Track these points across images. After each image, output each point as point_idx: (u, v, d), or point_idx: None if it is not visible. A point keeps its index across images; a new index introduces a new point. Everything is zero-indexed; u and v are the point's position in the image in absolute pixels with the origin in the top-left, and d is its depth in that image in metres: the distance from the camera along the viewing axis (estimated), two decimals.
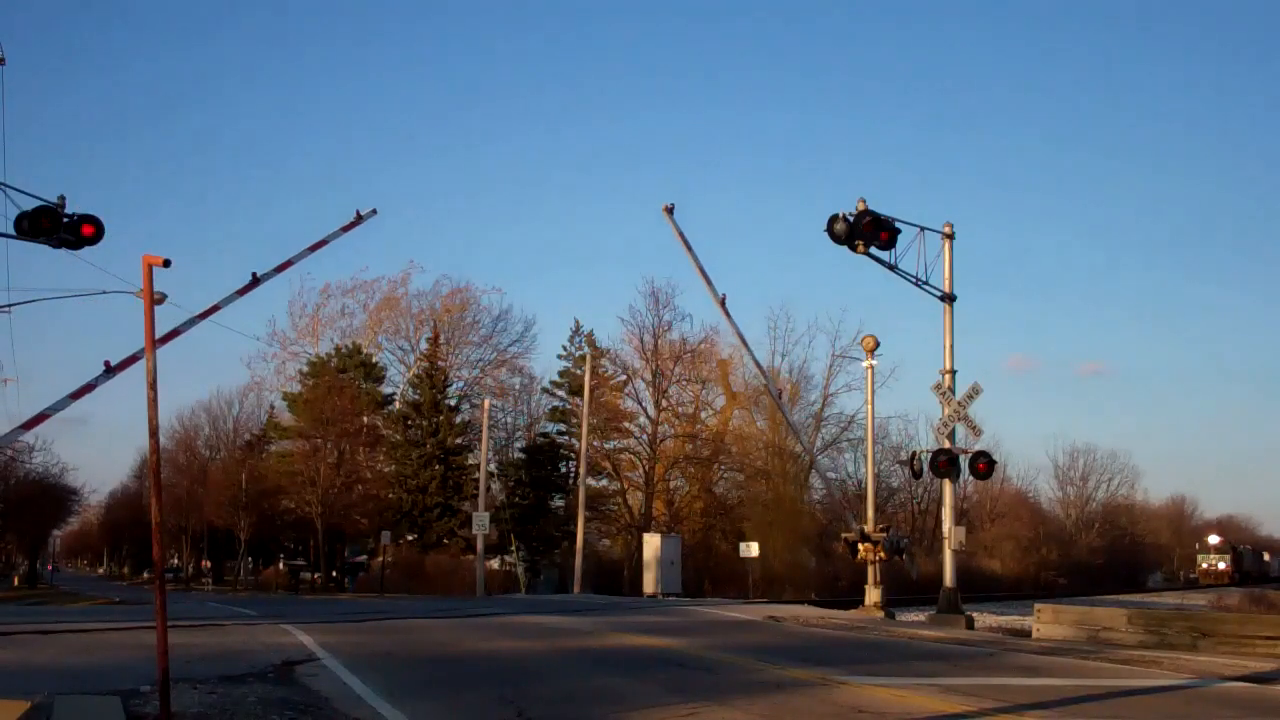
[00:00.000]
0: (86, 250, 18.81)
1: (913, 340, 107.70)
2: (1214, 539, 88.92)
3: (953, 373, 23.75)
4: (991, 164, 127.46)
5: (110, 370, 25.08)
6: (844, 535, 29.59)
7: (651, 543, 40.36)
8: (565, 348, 60.10)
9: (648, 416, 59.15)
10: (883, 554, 27.53)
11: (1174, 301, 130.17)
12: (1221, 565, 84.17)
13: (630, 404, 59.95)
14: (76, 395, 26.38)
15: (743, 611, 26.31)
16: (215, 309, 29.56)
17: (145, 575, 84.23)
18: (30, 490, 62.74)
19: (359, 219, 39.28)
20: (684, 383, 60.52)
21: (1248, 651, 16.29)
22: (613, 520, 59.77)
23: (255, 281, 31.89)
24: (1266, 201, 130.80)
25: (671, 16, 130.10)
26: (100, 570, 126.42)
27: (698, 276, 33.45)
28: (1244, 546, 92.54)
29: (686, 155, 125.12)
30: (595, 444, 53.91)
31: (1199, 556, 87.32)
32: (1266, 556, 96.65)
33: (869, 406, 29.72)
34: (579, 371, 54.08)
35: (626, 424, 59.22)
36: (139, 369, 8.15)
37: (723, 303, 33.31)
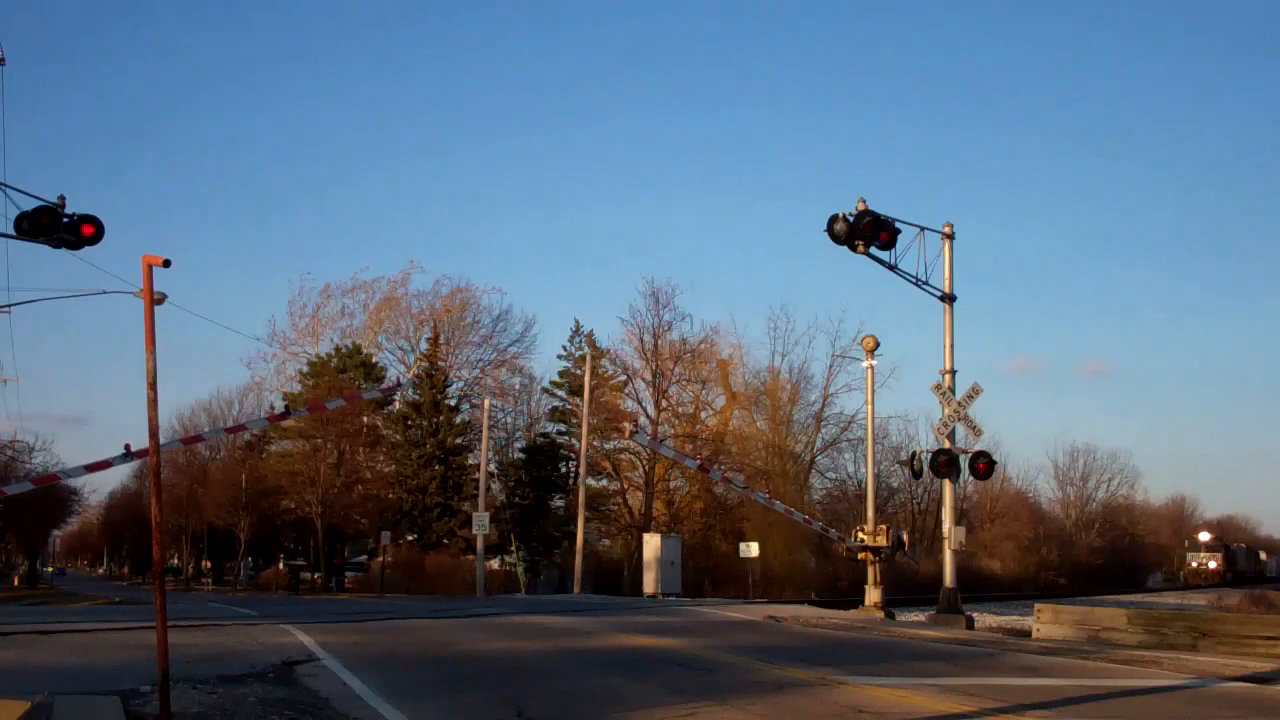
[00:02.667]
0: (86, 250, 18.78)
1: (913, 340, 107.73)
2: (1204, 536, 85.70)
3: (953, 373, 23.73)
4: (991, 164, 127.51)
5: (130, 454, 25.41)
6: (846, 547, 29.66)
7: (651, 543, 40.36)
8: (565, 348, 60.16)
9: (648, 416, 59.15)
10: (883, 556, 27.62)
11: (1174, 301, 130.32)
12: (1212, 564, 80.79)
13: (630, 404, 60.00)
14: (91, 468, 26.78)
15: (743, 611, 26.30)
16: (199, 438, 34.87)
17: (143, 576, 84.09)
18: (30, 490, 62.61)
19: (398, 384, 45.46)
20: (684, 383, 60.57)
21: (1248, 651, 16.29)
22: (613, 520, 59.77)
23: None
24: (1266, 201, 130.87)
25: (671, 15, 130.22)
26: (100, 570, 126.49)
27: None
28: (1237, 545, 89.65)
29: (686, 155, 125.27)
30: (595, 444, 53.90)
31: (1188, 555, 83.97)
32: (1263, 556, 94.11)
33: (869, 406, 29.72)
34: (579, 371, 54.08)
35: (626, 424, 59.18)
36: (139, 367, 8.12)
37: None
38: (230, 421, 68.78)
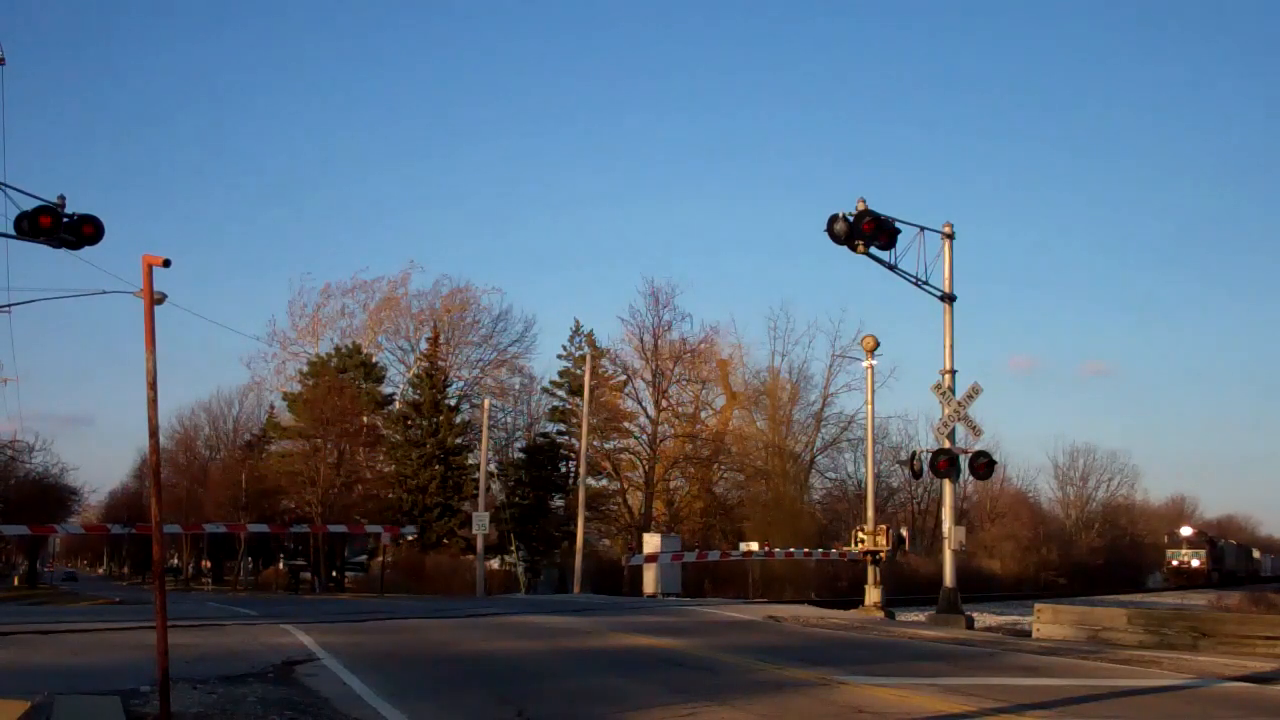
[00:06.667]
0: (86, 250, 18.76)
1: (913, 340, 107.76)
2: (1185, 531, 78.27)
3: (953, 373, 23.70)
4: (992, 164, 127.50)
5: (130, 526, 25.76)
6: (847, 554, 29.82)
7: (651, 542, 40.25)
8: (565, 348, 60.15)
9: (648, 416, 59.17)
10: (883, 555, 27.64)
11: (1174, 301, 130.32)
12: (1195, 562, 73.96)
13: (630, 404, 60.02)
14: (91, 529, 27.25)
15: (743, 611, 26.28)
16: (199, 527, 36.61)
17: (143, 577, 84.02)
18: (30, 490, 62.72)
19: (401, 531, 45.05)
20: (684, 383, 60.57)
21: (1248, 651, 16.29)
22: (613, 520, 59.75)
23: None
24: (1267, 202, 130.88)
25: (670, 16, 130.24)
26: (100, 570, 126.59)
27: None
28: (1225, 541, 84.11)
29: (686, 154, 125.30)
30: (595, 444, 53.89)
31: (1168, 552, 76.58)
32: (1257, 554, 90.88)
33: (869, 406, 29.70)
34: (579, 371, 54.05)
35: (626, 424, 59.23)
36: (139, 367, 8.14)
37: None
38: (230, 422, 69.01)
